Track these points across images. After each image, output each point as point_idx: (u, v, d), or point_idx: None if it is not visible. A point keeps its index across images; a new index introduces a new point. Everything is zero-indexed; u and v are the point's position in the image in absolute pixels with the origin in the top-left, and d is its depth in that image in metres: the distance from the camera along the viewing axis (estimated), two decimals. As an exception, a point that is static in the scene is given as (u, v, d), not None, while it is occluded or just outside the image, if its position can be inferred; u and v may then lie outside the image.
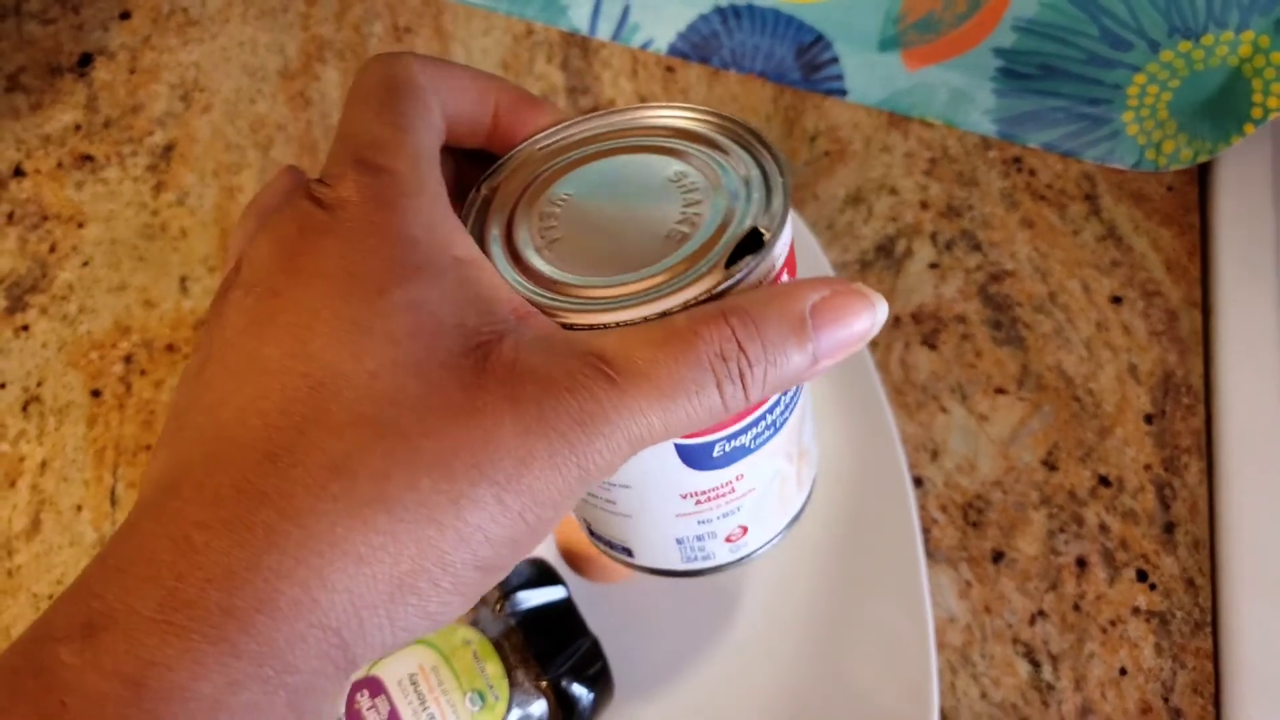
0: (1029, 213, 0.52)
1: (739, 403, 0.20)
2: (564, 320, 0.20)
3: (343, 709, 0.33)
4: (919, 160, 0.53)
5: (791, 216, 0.23)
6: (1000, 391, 0.48)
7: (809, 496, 0.27)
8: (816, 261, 0.46)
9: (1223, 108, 0.48)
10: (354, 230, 0.20)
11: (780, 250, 0.21)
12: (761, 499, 0.25)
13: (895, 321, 0.49)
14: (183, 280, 0.50)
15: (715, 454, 0.23)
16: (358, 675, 0.34)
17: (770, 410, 0.23)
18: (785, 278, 0.22)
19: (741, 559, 0.26)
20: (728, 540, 0.25)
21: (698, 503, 0.24)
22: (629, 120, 0.24)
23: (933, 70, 0.53)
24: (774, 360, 0.20)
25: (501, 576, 0.20)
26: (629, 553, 0.26)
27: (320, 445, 0.18)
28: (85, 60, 0.55)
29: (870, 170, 0.53)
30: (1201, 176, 0.53)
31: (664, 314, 0.20)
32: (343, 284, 0.19)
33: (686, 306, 0.20)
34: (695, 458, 0.23)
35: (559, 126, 0.24)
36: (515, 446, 0.19)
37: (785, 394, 0.23)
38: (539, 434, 0.19)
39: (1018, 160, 0.53)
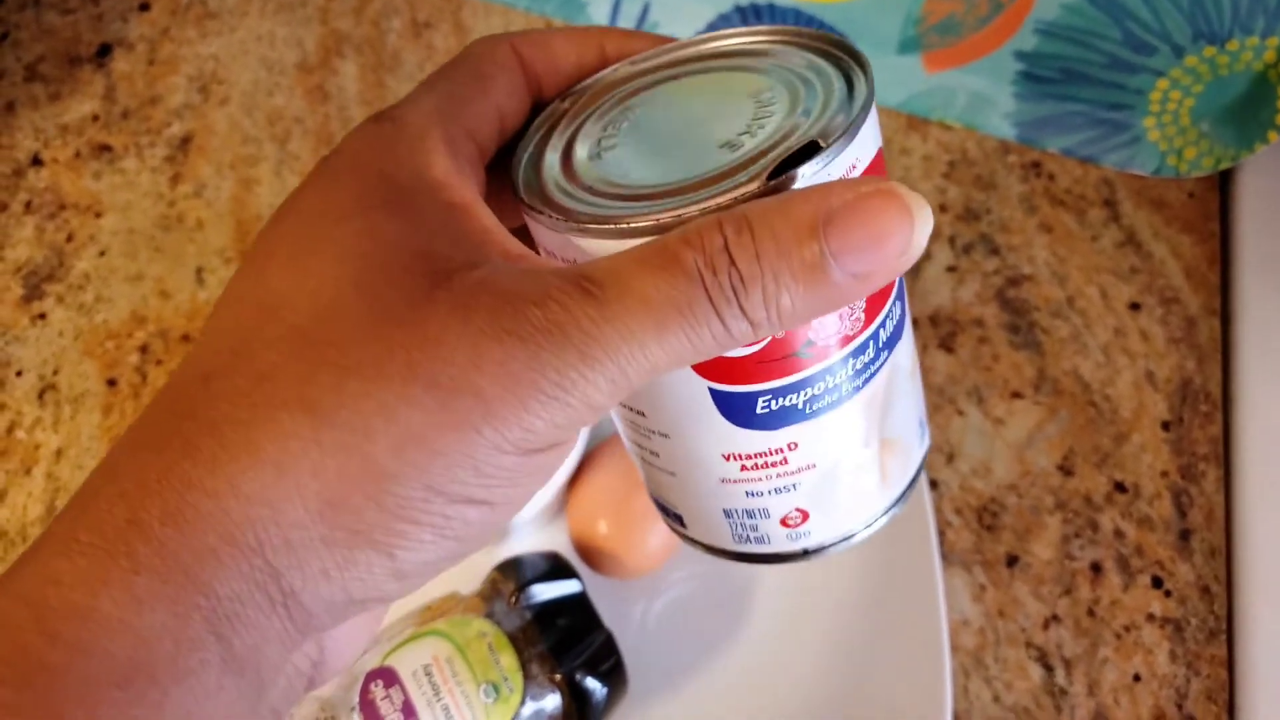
0: (1048, 217, 0.52)
1: (742, 327, 0.17)
2: (578, 222, 0.19)
3: (357, 700, 0.33)
4: (938, 163, 0.53)
5: (876, 133, 0.20)
6: (1016, 395, 0.48)
7: (901, 499, 0.24)
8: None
9: (1246, 114, 0.48)
10: (338, 169, 0.20)
11: (840, 167, 0.18)
12: (826, 482, 0.22)
13: (913, 324, 0.49)
14: (199, 271, 0.50)
15: (759, 409, 0.20)
16: (371, 665, 0.34)
17: (829, 371, 0.20)
18: None
19: (804, 552, 0.23)
20: (784, 524, 0.23)
21: (743, 468, 0.22)
22: (721, 46, 0.23)
23: (952, 73, 0.53)
24: (775, 276, 0.17)
25: (473, 513, 0.18)
26: (681, 521, 0.25)
27: (251, 359, 0.18)
28: (104, 51, 0.55)
29: (890, 173, 0.53)
30: (1223, 184, 0.53)
31: (679, 220, 0.18)
32: (310, 216, 0.19)
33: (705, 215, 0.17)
34: (735, 410, 0.21)
35: (657, 50, 0.23)
36: (462, 349, 0.17)
37: (855, 358, 0.20)
38: (492, 338, 0.17)
39: (1037, 165, 0.53)
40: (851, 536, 0.23)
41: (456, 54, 0.22)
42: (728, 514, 0.23)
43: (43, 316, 0.49)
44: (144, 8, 0.57)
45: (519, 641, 0.34)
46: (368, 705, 0.33)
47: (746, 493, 0.22)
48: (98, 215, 0.51)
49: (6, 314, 0.49)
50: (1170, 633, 0.43)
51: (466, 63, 0.22)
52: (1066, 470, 0.46)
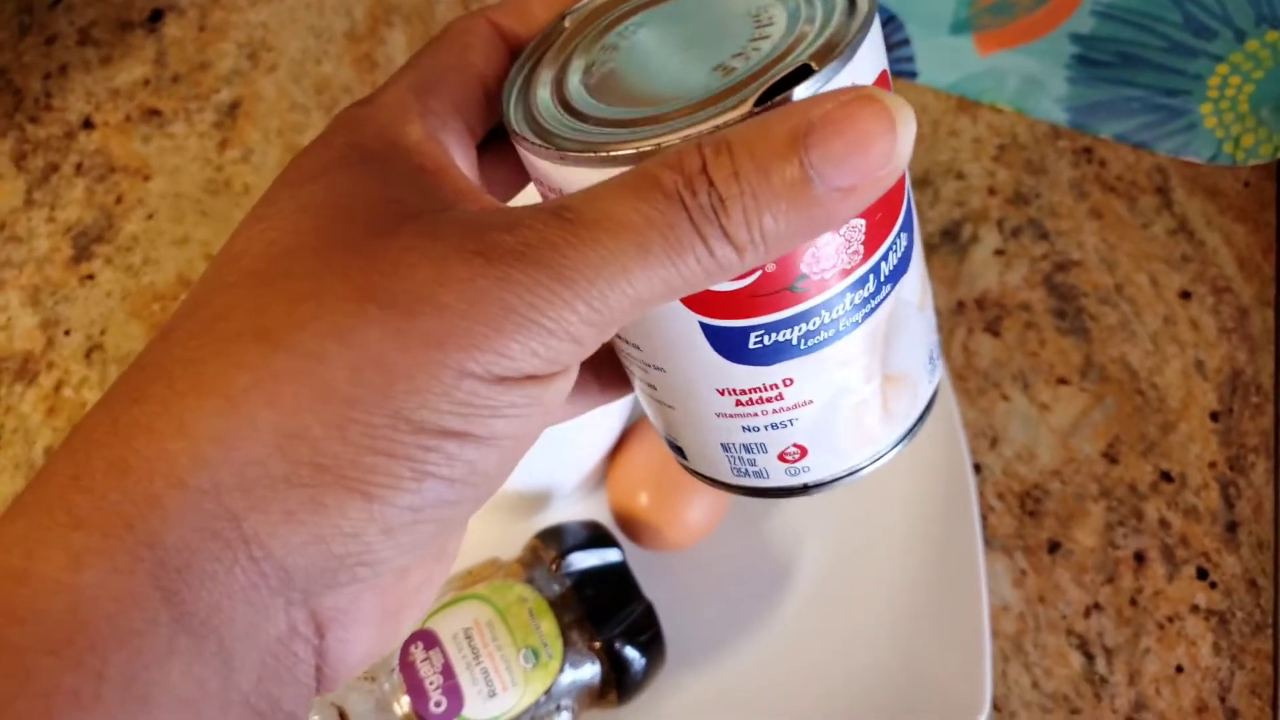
0: (1098, 203, 0.51)
1: (726, 252, 0.16)
2: (558, 149, 0.18)
3: (397, 662, 0.33)
4: (988, 146, 0.52)
5: (879, 54, 0.19)
6: (1062, 382, 0.47)
7: (909, 434, 0.23)
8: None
9: (1307, 101, 0.47)
10: (311, 147, 0.19)
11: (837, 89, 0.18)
12: (823, 418, 0.21)
13: (959, 307, 0.48)
14: (245, 236, 0.50)
15: (751, 344, 0.20)
16: (412, 626, 0.34)
17: (824, 306, 0.20)
18: None
19: (804, 486, 0.23)
20: (782, 459, 0.22)
21: (738, 403, 0.21)
22: None
23: (1005, 55, 0.52)
24: (755, 194, 0.16)
25: (455, 447, 0.16)
26: (681, 453, 0.24)
27: (207, 306, 0.17)
28: (156, 16, 0.56)
29: (938, 154, 0.52)
30: (1279, 173, 0.52)
31: (658, 148, 0.17)
32: (277, 185, 0.19)
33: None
34: (727, 345, 0.20)
35: None
36: (424, 267, 0.16)
37: (853, 292, 0.20)
38: (458, 259, 0.16)
39: (1088, 150, 0.52)
40: (855, 472, 0.23)
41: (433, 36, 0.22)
42: (725, 448, 0.22)
43: (91, 277, 0.49)
44: (195, -26, 0.57)
45: (559, 608, 0.34)
46: (408, 667, 0.33)
47: (743, 427, 0.22)
48: (146, 179, 0.51)
49: (56, 274, 0.49)
50: (1215, 625, 0.43)
51: (442, 39, 0.21)
52: (1111, 458, 0.46)
